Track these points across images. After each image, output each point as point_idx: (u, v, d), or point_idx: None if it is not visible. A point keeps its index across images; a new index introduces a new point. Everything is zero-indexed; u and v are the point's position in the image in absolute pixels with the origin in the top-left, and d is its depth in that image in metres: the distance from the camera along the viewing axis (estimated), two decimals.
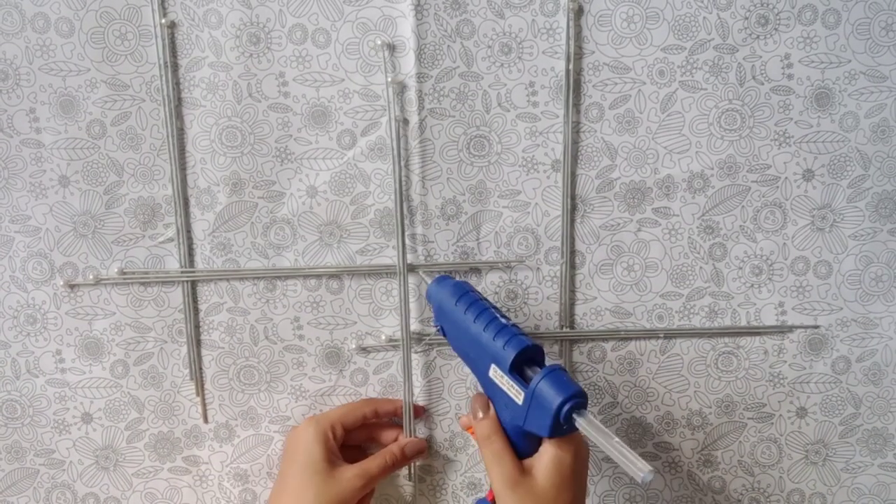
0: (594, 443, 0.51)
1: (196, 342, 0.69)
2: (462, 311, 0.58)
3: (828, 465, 0.71)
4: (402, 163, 0.65)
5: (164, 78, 0.64)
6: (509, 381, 0.54)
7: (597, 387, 0.69)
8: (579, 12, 0.62)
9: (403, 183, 0.66)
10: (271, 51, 0.64)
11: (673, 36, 0.63)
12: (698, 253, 0.67)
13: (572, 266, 0.67)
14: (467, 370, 0.69)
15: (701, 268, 0.67)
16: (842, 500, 0.71)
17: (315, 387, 0.70)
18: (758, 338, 0.68)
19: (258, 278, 0.68)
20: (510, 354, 0.54)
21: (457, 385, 0.70)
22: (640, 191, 0.66)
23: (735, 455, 0.71)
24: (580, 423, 0.51)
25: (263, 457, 0.71)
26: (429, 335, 0.68)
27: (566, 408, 0.51)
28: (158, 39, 0.63)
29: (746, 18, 0.62)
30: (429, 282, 0.62)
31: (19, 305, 0.68)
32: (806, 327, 0.68)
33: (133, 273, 0.67)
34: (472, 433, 0.59)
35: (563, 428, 0.52)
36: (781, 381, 0.69)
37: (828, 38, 0.63)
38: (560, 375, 0.53)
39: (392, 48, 0.63)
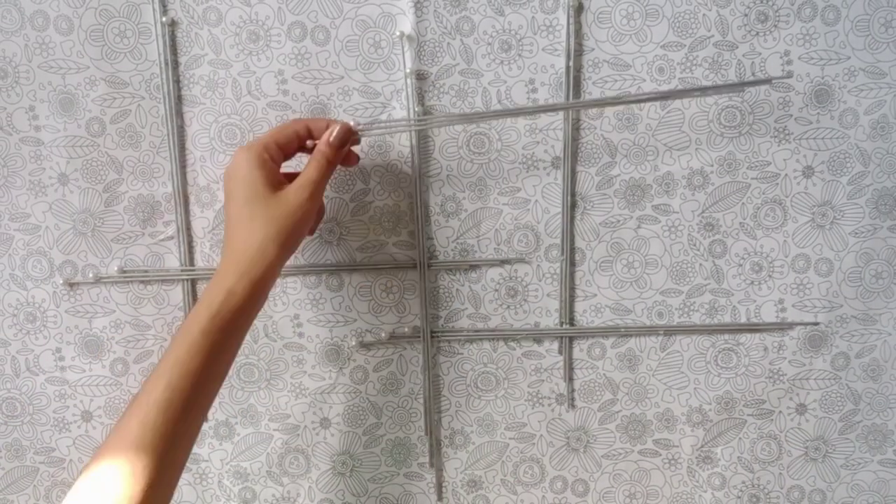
0: None
1: None
2: None
3: (827, 462, 0.71)
4: (407, 159, 0.65)
5: (163, 75, 0.64)
6: None
7: (597, 384, 0.69)
8: (579, 9, 0.62)
9: (406, 180, 0.66)
10: (270, 48, 0.64)
11: (672, 33, 0.63)
12: (698, 250, 0.67)
13: (572, 263, 0.67)
14: (468, 366, 0.69)
15: (701, 265, 0.67)
16: (841, 497, 0.71)
17: (315, 384, 0.70)
18: (758, 335, 0.68)
19: None
20: None
21: (457, 382, 0.70)
22: (639, 188, 0.66)
23: (735, 452, 0.71)
24: None
25: (263, 455, 0.71)
26: (438, 332, 0.68)
27: None
28: (158, 37, 0.63)
29: (746, 15, 0.62)
30: None
31: (19, 303, 0.68)
32: (806, 324, 0.68)
33: (133, 271, 0.67)
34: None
35: None
36: (781, 378, 0.69)
37: (827, 35, 0.63)
38: None
39: (411, 39, 0.63)
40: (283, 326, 0.68)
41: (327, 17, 0.63)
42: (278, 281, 0.68)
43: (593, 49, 0.63)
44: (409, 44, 0.63)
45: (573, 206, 0.66)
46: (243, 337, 0.57)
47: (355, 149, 0.62)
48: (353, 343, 0.69)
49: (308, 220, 0.57)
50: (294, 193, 0.56)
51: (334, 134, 0.58)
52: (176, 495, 0.71)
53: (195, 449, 0.71)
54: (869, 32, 0.62)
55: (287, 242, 0.56)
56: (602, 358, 0.69)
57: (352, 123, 0.59)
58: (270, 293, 0.68)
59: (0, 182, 0.66)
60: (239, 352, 0.68)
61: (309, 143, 0.59)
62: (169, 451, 0.51)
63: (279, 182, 0.57)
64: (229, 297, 0.54)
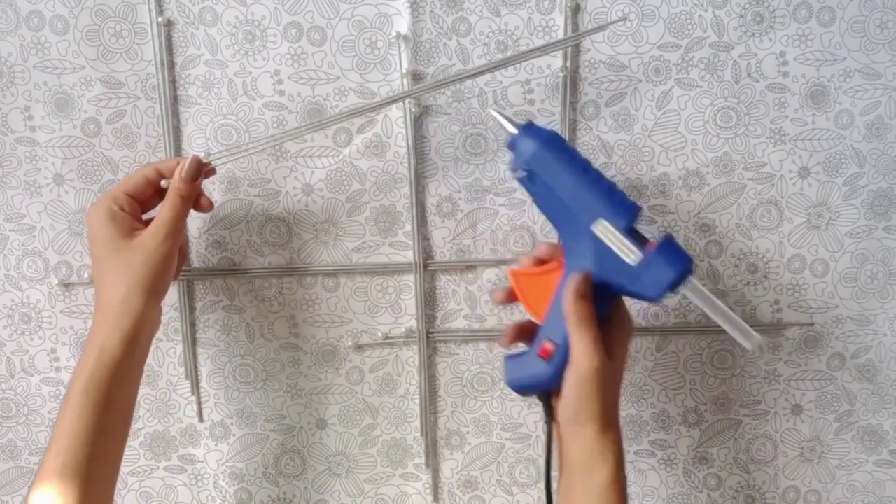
0: (703, 308, 0.54)
1: (191, 340, 0.69)
2: (570, 159, 0.55)
3: (823, 462, 0.71)
4: (403, 159, 0.65)
5: (159, 76, 0.64)
6: (622, 239, 0.53)
7: None
8: (576, 10, 0.62)
9: (402, 181, 0.66)
10: (266, 49, 0.63)
11: (668, 34, 0.63)
12: (694, 250, 0.67)
13: None
14: (464, 367, 0.69)
15: (697, 265, 0.67)
16: (837, 497, 0.71)
17: (311, 385, 0.70)
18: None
19: (254, 276, 0.68)
20: (632, 212, 0.54)
21: (453, 383, 0.70)
22: (635, 188, 0.66)
23: (730, 452, 0.71)
24: (691, 287, 0.53)
25: (259, 455, 0.71)
26: (434, 332, 0.68)
27: (685, 274, 0.52)
28: (154, 37, 0.63)
29: (742, 16, 0.62)
30: (510, 127, 0.56)
31: (14, 304, 0.68)
32: (801, 325, 0.68)
33: None
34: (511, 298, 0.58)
35: (667, 293, 0.53)
36: (777, 379, 0.69)
37: (823, 36, 0.63)
38: (677, 243, 0.54)
39: (407, 40, 0.63)
40: (279, 327, 0.68)
41: (323, 17, 0.63)
42: (274, 281, 0.67)
43: (589, 50, 0.63)
44: (405, 44, 0.63)
45: None
46: (131, 389, 0.58)
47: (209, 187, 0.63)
48: (349, 344, 0.69)
49: (168, 261, 0.58)
50: (150, 237, 0.57)
51: (185, 168, 0.58)
52: (171, 496, 0.71)
53: (191, 449, 0.71)
54: (864, 34, 0.63)
55: (151, 287, 0.56)
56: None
57: (201, 155, 0.59)
58: (266, 293, 0.68)
59: None
60: (238, 351, 0.69)
61: (163, 183, 0.58)
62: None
63: (135, 230, 0.58)
64: (101, 355, 0.55)
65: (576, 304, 0.53)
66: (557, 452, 0.57)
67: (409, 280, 0.68)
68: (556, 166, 0.54)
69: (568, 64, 0.63)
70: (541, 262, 0.58)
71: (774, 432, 0.70)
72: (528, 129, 0.56)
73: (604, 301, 0.55)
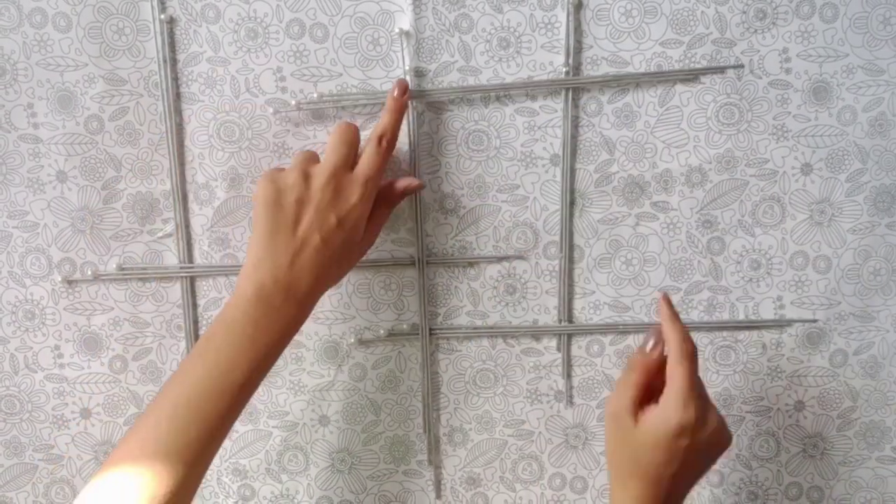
0: None
1: (195, 337, 0.69)
2: None
3: (825, 459, 0.71)
4: (406, 156, 0.65)
5: (162, 73, 0.64)
6: None
7: (595, 381, 0.70)
8: (578, 6, 0.62)
9: (403, 177, 0.66)
10: (269, 46, 0.64)
11: (671, 30, 0.63)
12: (696, 247, 0.67)
13: (571, 260, 0.67)
14: (466, 363, 0.69)
15: (699, 262, 0.67)
16: (839, 494, 0.71)
17: (314, 382, 0.70)
18: (756, 332, 0.68)
19: None
20: None
21: (455, 379, 0.70)
22: (638, 185, 0.66)
23: (733, 448, 0.71)
24: None
25: (262, 452, 0.71)
26: (436, 329, 0.68)
27: None
28: (156, 34, 0.63)
29: (744, 13, 0.62)
30: None
31: (17, 301, 0.68)
32: (804, 321, 0.68)
33: (131, 268, 0.67)
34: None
35: None
36: (779, 375, 0.69)
37: (825, 32, 0.63)
38: None
39: (410, 36, 0.63)
40: None
41: (326, 14, 0.63)
42: None
43: (591, 46, 0.63)
44: (407, 41, 0.63)
45: (572, 203, 0.66)
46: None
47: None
48: (352, 340, 0.69)
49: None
50: (368, 242, 0.61)
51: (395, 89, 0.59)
52: None
53: None
54: (867, 29, 0.62)
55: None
56: (601, 355, 0.69)
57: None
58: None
59: None
60: None
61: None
62: (199, 455, 0.51)
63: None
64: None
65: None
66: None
67: (412, 276, 0.68)
68: None
69: (570, 60, 0.63)
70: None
71: (777, 428, 0.70)
72: None
73: None
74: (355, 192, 0.56)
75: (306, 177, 0.56)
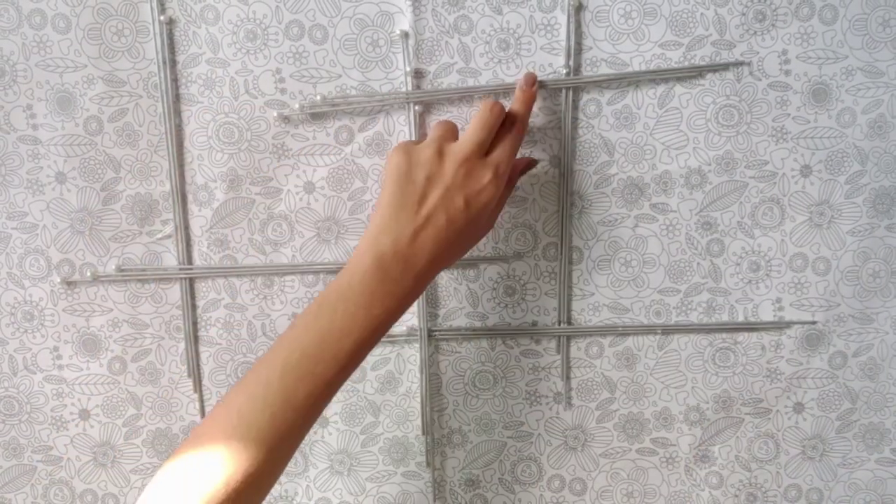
0: None
1: (194, 339, 0.69)
2: None
3: (825, 461, 0.71)
4: None
5: (161, 74, 0.64)
6: None
7: (594, 382, 0.70)
8: (578, 8, 0.62)
9: None
10: (268, 47, 0.63)
11: (670, 32, 0.63)
12: (696, 249, 0.67)
13: (570, 262, 0.67)
14: (466, 365, 0.69)
15: (699, 264, 0.67)
16: (839, 496, 0.71)
17: None
18: (755, 333, 0.68)
19: (256, 275, 0.68)
20: None
21: (454, 381, 0.70)
22: (637, 187, 0.66)
23: (732, 450, 0.71)
24: None
25: None
26: (436, 330, 0.68)
27: None
28: (156, 35, 0.63)
29: (744, 14, 0.62)
30: None
31: (16, 302, 0.68)
32: (803, 323, 0.68)
33: (130, 270, 0.67)
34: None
35: None
36: (778, 377, 0.69)
37: (825, 34, 0.63)
38: None
39: (407, 36, 0.63)
40: (281, 325, 0.68)
41: (325, 15, 0.63)
42: (275, 279, 0.68)
43: (591, 48, 0.63)
44: (407, 42, 0.63)
45: (571, 204, 0.66)
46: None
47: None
48: None
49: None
50: (494, 216, 0.61)
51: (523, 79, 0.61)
52: None
53: None
54: (867, 31, 0.62)
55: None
56: (600, 357, 0.69)
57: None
58: (268, 291, 0.68)
59: None
60: (240, 349, 0.69)
61: None
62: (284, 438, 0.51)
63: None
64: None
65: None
66: None
67: None
68: None
69: (570, 62, 0.63)
70: None
71: (776, 430, 0.70)
72: None
73: None
74: (487, 176, 0.56)
75: (441, 154, 0.56)
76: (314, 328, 0.53)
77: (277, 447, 0.51)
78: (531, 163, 0.64)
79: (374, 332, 0.54)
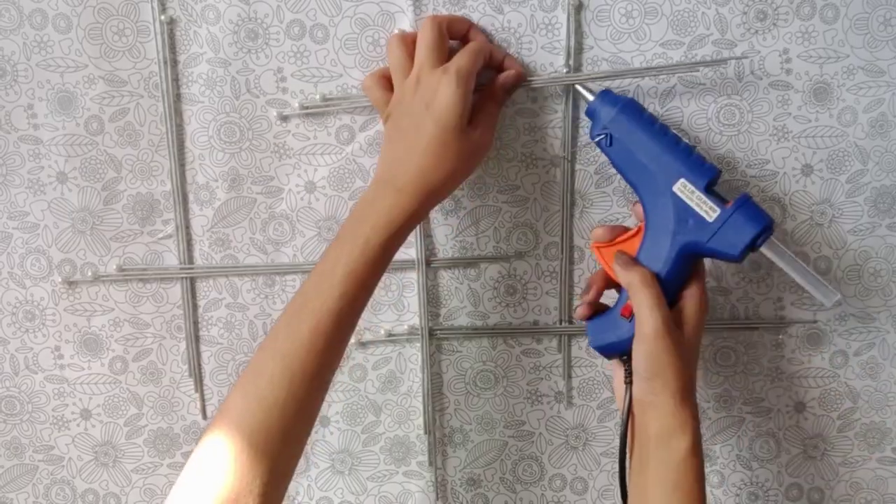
0: (782, 267, 0.57)
1: (195, 338, 0.69)
2: (651, 123, 0.58)
3: (826, 460, 0.71)
4: None
5: (162, 74, 0.64)
6: (702, 197, 0.56)
7: (596, 381, 0.70)
8: (579, 8, 0.62)
9: None
10: (269, 46, 0.63)
11: (671, 31, 0.63)
12: None
13: (571, 261, 0.67)
14: (467, 364, 0.69)
15: None
16: (840, 495, 0.71)
17: None
18: (756, 333, 0.68)
19: (257, 274, 0.68)
20: (711, 172, 0.57)
21: (456, 380, 0.70)
22: None
23: (733, 449, 0.71)
24: (771, 245, 0.56)
25: None
26: (437, 329, 0.68)
27: (766, 231, 0.55)
28: (157, 35, 0.63)
29: (745, 13, 0.62)
30: (588, 95, 0.61)
31: (18, 302, 0.68)
32: (804, 322, 0.68)
33: (132, 269, 0.67)
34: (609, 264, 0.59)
35: (747, 252, 0.56)
36: (779, 376, 0.69)
37: (826, 33, 0.62)
38: (755, 202, 0.57)
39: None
40: None
41: (326, 14, 0.63)
42: (276, 278, 0.68)
43: (592, 47, 0.63)
44: None
45: (572, 204, 0.66)
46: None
47: None
48: (352, 341, 0.69)
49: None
50: (488, 136, 0.60)
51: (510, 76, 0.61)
52: None
53: (194, 447, 0.71)
54: (868, 30, 0.62)
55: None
56: (600, 356, 0.69)
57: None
58: (269, 290, 0.68)
59: None
60: (241, 349, 0.69)
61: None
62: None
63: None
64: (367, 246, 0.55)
65: (626, 272, 0.56)
66: (631, 427, 0.58)
67: (412, 277, 0.68)
68: (635, 128, 0.58)
69: (571, 61, 0.63)
70: (617, 232, 0.60)
71: (777, 429, 0.70)
72: (606, 95, 0.60)
73: (684, 265, 0.57)
74: (441, 80, 0.56)
75: (396, 87, 0.60)
76: (311, 273, 0.56)
77: (282, 451, 0.51)
78: (518, 76, 0.62)
79: (362, 254, 0.55)
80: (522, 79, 0.62)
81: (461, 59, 0.58)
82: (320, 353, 0.53)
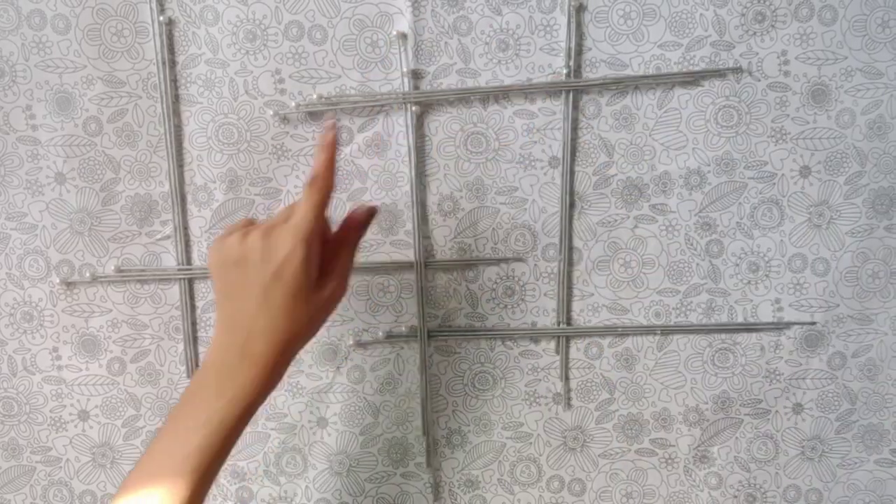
0: None
1: (193, 339, 0.69)
2: None
3: (824, 461, 0.71)
4: (405, 158, 0.65)
5: (160, 75, 0.64)
6: None
7: (594, 383, 0.70)
8: (579, 9, 0.62)
9: (403, 179, 0.66)
10: (267, 48, 0.63)
11: (670, 33, 0.63)
12: (695, 249, 0.67)
13: (569, 262, 0.67)
14: (465, 366, 0.69)
15: (698, 264, 0.67)
16: (838, 496, 0.71)
17: (312, 384, 0.70)
18: (754, 334, 0.68)
19: None
20: None
21: (454, 381, 0.70)
22: (637, 187, 0.66)
23: (731, 451, 0.71)
24: None
25: (260, 454, 0.71)
26: (435, 331, 0.68)
27: None
28: (155, 36, 0.63)
29: (743, 15, 0.62)
30: None
31: (16, 303, 0.68)
32: (802, 324, 0.68)
33: (130, 270, 0.67)
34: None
35: None
36: (778, 378, 0.69)
37: (824, 35, 0.63)
38: None
39: (405, 37, 0.63)
40: None
41: (324, 16, 0.63)
42: None
43: (591, 49, 0.63)
44: (406, 43, 0.63)
45: (570, 205, 0.66)
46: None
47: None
48: (350, 342, 0.69)
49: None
50: (339, 292, 0.55)
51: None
52: None
53: None
54: (866, 32, 0.62)
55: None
56: (599, 357, 0.69)
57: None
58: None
59: None
60: None
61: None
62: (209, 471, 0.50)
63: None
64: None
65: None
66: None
67: (411, 278, 0.68)
68: None
69: (571, 63, 0.63)
70: None
71: (775, 431, 0.70)
72: None
73: None
74: (287, 241, 0.51)
75: (244, 235, 0.52)
76: (169, 427, 0.52)
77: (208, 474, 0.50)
78: (370, 212, 0.56)
79: (223, 424, 0.51)
80: (374, 214, 0.56)
81: (301, 212, 0.52)
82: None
